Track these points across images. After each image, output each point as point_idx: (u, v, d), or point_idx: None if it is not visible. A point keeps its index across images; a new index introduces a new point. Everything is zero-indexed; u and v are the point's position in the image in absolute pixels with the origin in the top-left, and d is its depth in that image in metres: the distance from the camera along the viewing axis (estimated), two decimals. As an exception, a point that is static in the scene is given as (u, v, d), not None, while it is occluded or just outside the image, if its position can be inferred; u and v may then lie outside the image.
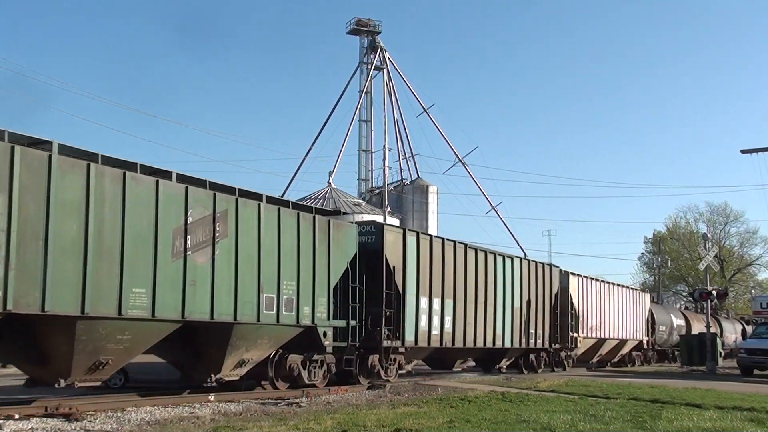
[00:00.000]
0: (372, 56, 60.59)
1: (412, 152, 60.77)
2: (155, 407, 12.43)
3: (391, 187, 53.48)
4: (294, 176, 58.95)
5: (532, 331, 25.38)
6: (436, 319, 19.99)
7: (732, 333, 50.90)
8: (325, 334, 16.24)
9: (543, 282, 26.63)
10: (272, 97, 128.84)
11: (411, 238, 19.37)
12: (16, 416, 10.70)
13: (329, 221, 16.64)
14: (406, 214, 54.53)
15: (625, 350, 35.17)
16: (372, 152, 60.66)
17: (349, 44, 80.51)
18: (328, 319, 16.37)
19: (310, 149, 58.92)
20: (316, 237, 15.98)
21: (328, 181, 53.33)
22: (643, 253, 78.87)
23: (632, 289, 36.89)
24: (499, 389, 17.25)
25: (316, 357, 16.49)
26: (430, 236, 20.82)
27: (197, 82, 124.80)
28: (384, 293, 18.04)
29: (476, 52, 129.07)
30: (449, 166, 59.35)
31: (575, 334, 28.77)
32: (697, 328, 42.74)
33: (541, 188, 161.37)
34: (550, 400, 14.64)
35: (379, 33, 60.95)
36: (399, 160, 59.98)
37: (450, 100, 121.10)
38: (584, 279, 30.36)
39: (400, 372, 19.50)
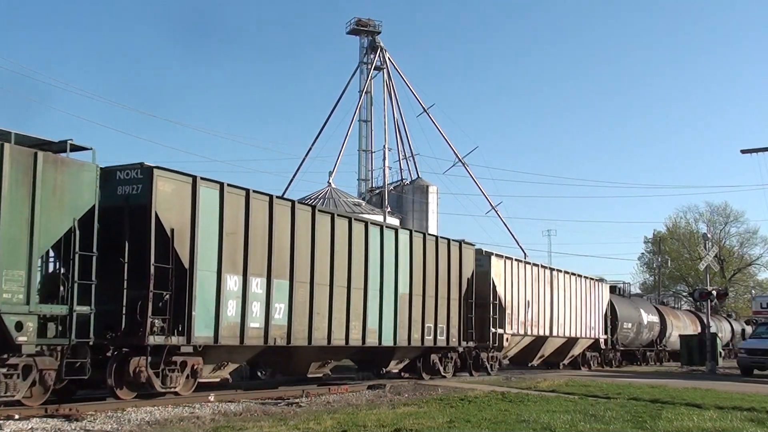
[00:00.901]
0: (372, 56, 60.56)
1: (412, 152, 60.74)
2: (155, 407, 12.42)
3: (391, 187, 53.44)
4: (294, 176, 58.90)
5: (430, 325, 20.28)
6: (256, 307, 14.82)
7: (720, 333, 48.90)
8: (19, 326, 10.92)
9: (450, 264, 21.21)
10: (272, 96, 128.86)
11: (208, 192, 13.99)
12: (16, 416, 10.71)
13: (36, 154, 11.35)
14: (406, 214, 54.49)
15: (576, 350, 30.45)
16: (372, 152, 60.64)
17: (349, 44, 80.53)
18: (27, 303, 11.06)
19: (310, 149, 58.88)
20: (6, 175, 10.89)
21: (328, 181, 53.29)
22: (643, 253, 78.91)
23: (586, 278, 30.81)
24: (499, 389, 17.25)
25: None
26: (247, 191, 14.88)
27: (197, 81, 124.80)
28: (152, 267, 12.84)
29: (476, 52, 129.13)
30: (449, 166, 59.25)
31: (500, 331, 23.52)
32: (675, 326, 40.89)
33: (541, 188, 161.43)
34: (550, 400, 14.65)
35: (379, 33, 60.92)
36: (399, 160, 59.95)
37: (450, 100, 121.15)
38: (514, 263, 24.96)
39: (203, 380, 14.56)
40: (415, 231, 20.99)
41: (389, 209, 47.96)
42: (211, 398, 13.88)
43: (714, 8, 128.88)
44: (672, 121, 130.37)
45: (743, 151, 32.70)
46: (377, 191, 55.73)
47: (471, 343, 22.33)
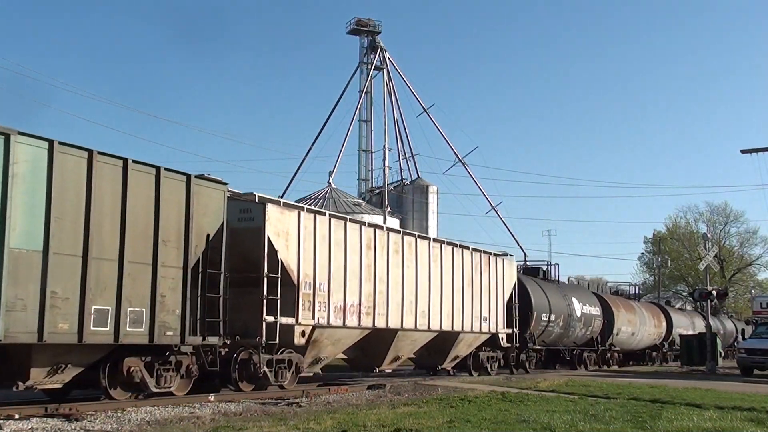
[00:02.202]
0: (372, 56, 60.64)
1: (412, 152, 60.85)
2: (155, 407, 12.42)
3: (391, 187, 53.50)
4: (294, 176, 59.04)
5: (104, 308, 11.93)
6: None
7: (685, 330, 43.21)
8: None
9: (159, 210, 12.95)
10: (272, 96, 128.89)
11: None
12: (16, 416, 10.71)
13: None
14: (406, 214, 54.57)
15: (461, 350, 22.57)
16: (372, 152, 60.76)
17: (349, 44, 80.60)
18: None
19: (310, 149, 59.02)
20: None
21: (328, 181, 53.37)
22: (643, 253, 78.87)
23: (475, 251, 22.85)
24: (499, 389, 17.25)
25: None
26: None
27: (197, 82, 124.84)
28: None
29: (476, 51, 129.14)
30: (449, 166, 59.40)
31: (284, 320, 15.37)
32: (625, 320, 34.52)
33: (541, 188, 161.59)
34: (550, 400, 14.64)
35: (379, 33, 61.02)
36: (399, 160, 60.06)
37: (450, 100, 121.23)
38: (322, 218, 16.78)
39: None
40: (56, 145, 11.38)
41: (389, 209, 47.99)
42: (211, 398, 13.89)
43: (714, 8, 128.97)
44: (672, 121, 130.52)
45: (743, 151, 32.73)
46: (377, 191, 55.80)
47: (214, 339, 13.98)
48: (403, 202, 55.46)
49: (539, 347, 27.38)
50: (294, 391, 15.70)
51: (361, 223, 18.45)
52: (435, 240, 21.47)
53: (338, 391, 16.38)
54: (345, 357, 20.44)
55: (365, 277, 17.83)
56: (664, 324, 40.73)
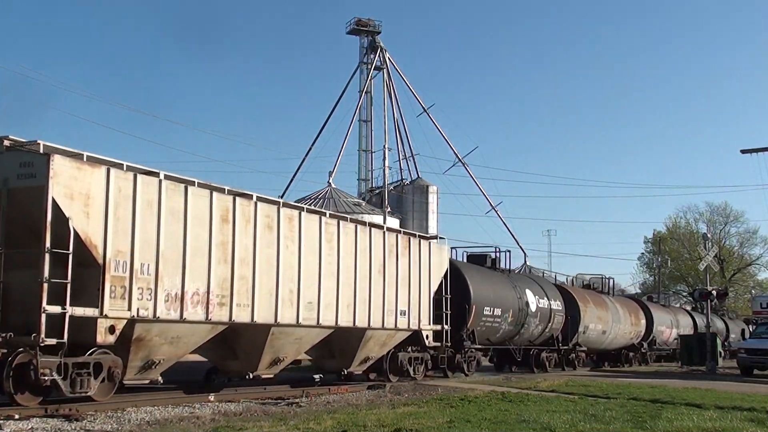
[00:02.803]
0: (372, 56, 60.64)
1: (412, 152, 60.86)
2: (155, 407, 12.42)
3: (391, 187, 53.49)
4: (294, 176, 59.07)
5: None
6: None
7: (668, 328, 40.56)
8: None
9: None
10: (272, 97, 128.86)
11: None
12: (16, 416, 10.70)
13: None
14: (406, 214, 54.56)
15: (372, 349, 18.65)
16: (372, 152, 60.78)
17: (349, 44, 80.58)
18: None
19: (310, 149, 59.07)
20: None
21: (328, 181, 53.35)
22: (643, 253, 78.94)
23: (389, 230, 19.28)
24: (499, 389, 17.25)
25: None
26: None
27: (197, 82, 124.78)
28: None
29: (476, 52, 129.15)
30: (449, 166, 59.43)
31: (80, 311, 11.69)
32: (594, 316, 30.54)
33: (541, 188, 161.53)
34: (550, 400, 14.65)
35: (379, 33, 61.01)
36: (399, 160, 60.07)
37: (450, 100, 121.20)
38: (145, 178, 12.81)
39: None
40: None
41: (389, 209, 47.98)
42: (211, 398, 13.90)
43: (714, 8, 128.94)
44: (672, 122, 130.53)
45: (743, 151, 32.73)
46: (377, 191, 55.80)
47: None
48: (403, 202, 55.46)
49: (482, 347, 23.21)
50: (294, 391, 15.70)
51: (212, 189, 13.90)
52: (332, 215, 17.34)
53: (338, 391, 16.39)
54: (209, 358, 16.45)
55: (218, 257, 13.69)
56: (643, 321, 37.05)
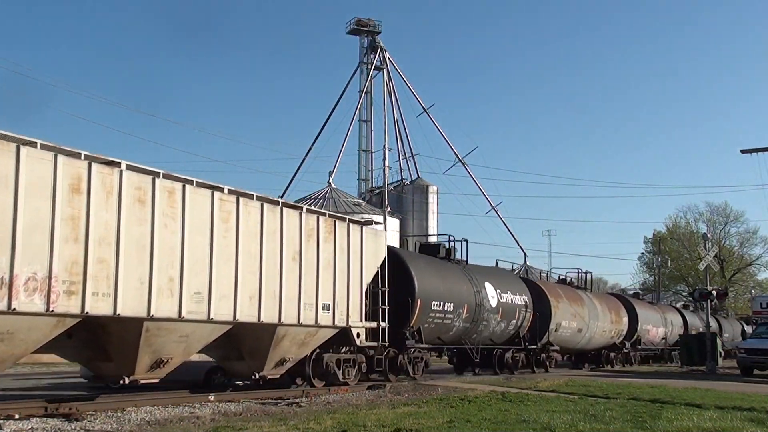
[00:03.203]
0: (372, 56, 60.64)
1: (412, 152, 60.87)
2: (155, 407, 12.43)
3: (391, 187, 53.50)
4: (294, 176, 59.06)
5: None
6: None
7: (654, 327, 38.33)
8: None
9: None
10: (272, 97, 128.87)
11: None
12: (16, 416, 10.71)
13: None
14: (406, 214, 54.57)
15: (287, 350, 15.81)
16: (372, 152, 60.77)
17: (349, 44, 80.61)
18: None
19: (310, 149, 59.06)
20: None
21: (328, 181, 53.37)
22: (643, 253, 79.01)
23: (308, 211, 16.35)
24: (499, 389, 17.25)
25: None
26: None
27: (197, 82, 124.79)
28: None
29: (476, 52, 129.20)
30: (449, 166, 59.44)
31: None
32: (568, 313, 28.26)
33: (541, 188, 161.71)
34: (550, 400, 14.65)
35: (379, 33, 61.00)
36: (399, 160, 60.08)
37: (450, 99, 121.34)
38: None
39: None
40: None
41: (389, 209, 47.99)
42: (211, 398, 13.90)
43: (714, 8, 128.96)
44: (672, 121, 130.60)
45: (743, 151, 32.69)
46: (377, 191, 55.80)
47: None
48: (403, 202, 55.46)
49: (431, 346, 21.01)
50: (294, 391, 15.70)
51: (59, 152, 11.27)
52: (230, 191, 14.36)
53: (338, 391, 16.40)
54: (76, 360, 14.37)
55: (65, 235, 11.13)
56: (626, 319, 34.56)
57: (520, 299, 25.47)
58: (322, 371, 16.97)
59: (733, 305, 71.64)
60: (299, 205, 16.79)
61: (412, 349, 19.80)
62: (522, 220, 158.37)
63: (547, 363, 27.61)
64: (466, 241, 24.81)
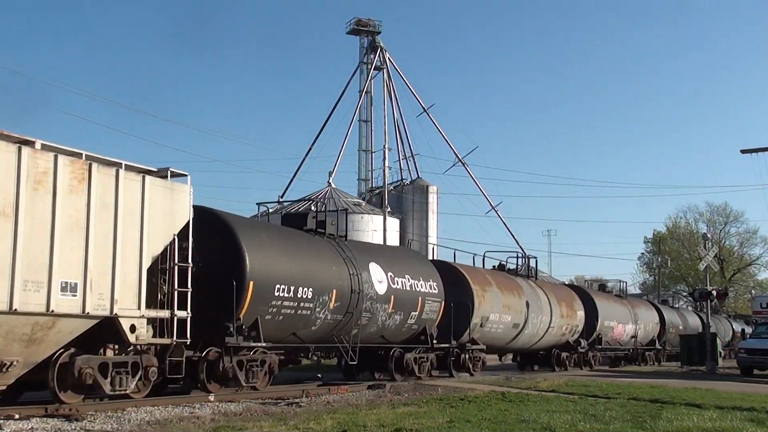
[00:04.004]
0: (372, 56, 60.57)
1: (412, 152, 60.77)
2: (155, 407, 12.43)
3: (391, 187, 53.43)
4: (294, 176, 58.96)
5: None
6: None
7: (620, 323, 33.39)
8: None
9: None
10: (272, 96, 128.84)
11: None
12: (16, 416, 10.71)
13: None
14: (406, 214, 54.50)
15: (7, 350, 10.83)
16: (372, 152, 60.67)
17: (349, 44, 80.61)
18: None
19: (310, 149, 58.97)
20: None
21: (328, 181, 53.34)
22: (643, 253, 79.00)
23: (44, 147, 11.33)
24: (499, 389, 17.25)
25: None
26: None
27: (197, 81, 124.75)
28: None
29: (476, 51, 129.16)
30: (449, 166, 59.34)
31: None
32: (499, 305, 23.45)
33: (541, 188, 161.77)
34: (550, 400, 14.65)
35: (379, 33, 60.94)
36: (399, 160, 59.98)
37: (450, 100, 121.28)
38: None
39: None
40: None
41: (389, 209, 47.98)
42: (211, 398, 13.90)
43: (714, 7, 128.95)
44: (672, 121, 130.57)
45: (743, 151, 32.67)
46: (377, 191, 55.74)
47: None
48: (403, 202, 55.39)
49: (279, 345, 15.90)
50: (294, 391, 15.70)
51: None
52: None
53: (338, 391, 16.38)
54: None
55: None
56: (581, 314, 29.52)
57: (426, 286, 20.12)
58: (74, 381, 11.89)
59: (733, 305, 71.65)
60: (26, 137, 11.24)
61: (246, 349, 14.84)
62: (522, 220, 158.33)
63: (471, 365, 22.50)
64: (345, 210, 20.04)
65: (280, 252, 15.86)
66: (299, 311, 16.03)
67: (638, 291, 69.51)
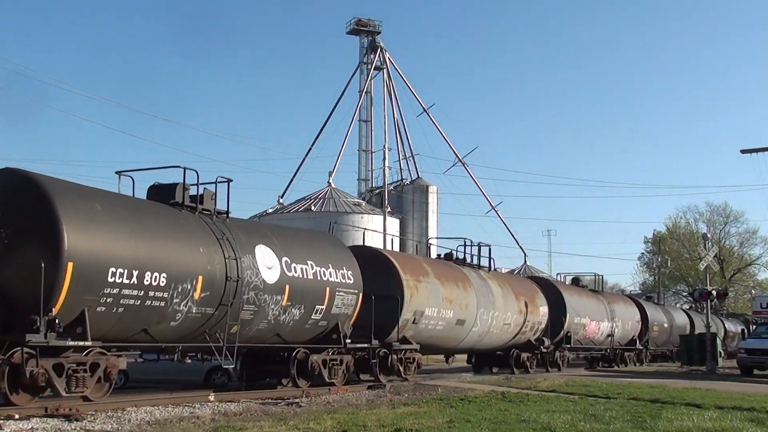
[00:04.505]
0: (372, 56, 60.63)
1: (412, 152, 60.85)
2: (155, 407, 12.43)
3: (391, 187, 53.49)
4: (294, 176, 58.99)
5: None
6: None
7: (594, 321, 30.18)
8: None
9: None
10: (272, 96, 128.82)
11: None
12: (16, 416, 10.70)
13: None
14: (406, 214, 54.56)
15: None
16: (372, 152, 60.73)
17: (349, 44, 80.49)
18: None
19: (310, 149, 59.03)
20: None
21: (328, 181, 53.38)
22: (643, 253, 78.95)
23: None
24: (499, 389, 17.25)
25: None
26: None
27: (197, 81, 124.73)
28: None
29: (476, 51, 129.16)
30: (449, 166, 59.39)
31: None
32: (439, 298, 20.10)
33: (541, 188, 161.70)
34: (550, 400, 14.65)
35: (379, 33, 61.00)
36: (399, 160, 60.05)
37: (450, 99, 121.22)
38: None
39: None
40: None
41: (389, 209, 48.02)
42: (211, 398, 13.90)
43: (714, 7, 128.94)
44: (672, 121, 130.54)
45: (743, 151, 32.69)
46: (377, 191, 55.80)
47: None
48: (403, 202, 55.44)
49: (102, 344, 12.10)
50: (294, 391, 15.69)
51: None
52: None
53: (338, 391, 16.37)
54: None
55: None
56: (544, 309, 26.28)
57: (337, 275, 16.66)
58: None
59: (733, 305, 71.64)
60: None
61: (71, 350, 11.71)
62: (522, 220, 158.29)
63: (402, 368, 18.92)
64: (227, 181, 15.11)
65: (120, 228, 12.42)
66: (148, 302, 12.59)
67: (638, 291, 69.45)
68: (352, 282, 17.12)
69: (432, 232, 53.74)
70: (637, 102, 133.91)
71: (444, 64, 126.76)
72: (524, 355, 25.91)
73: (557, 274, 35.91)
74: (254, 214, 50.47)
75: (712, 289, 33.86)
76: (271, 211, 51.03)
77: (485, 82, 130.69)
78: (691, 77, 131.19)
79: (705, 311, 34.23)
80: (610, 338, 32.16)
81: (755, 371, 28.56)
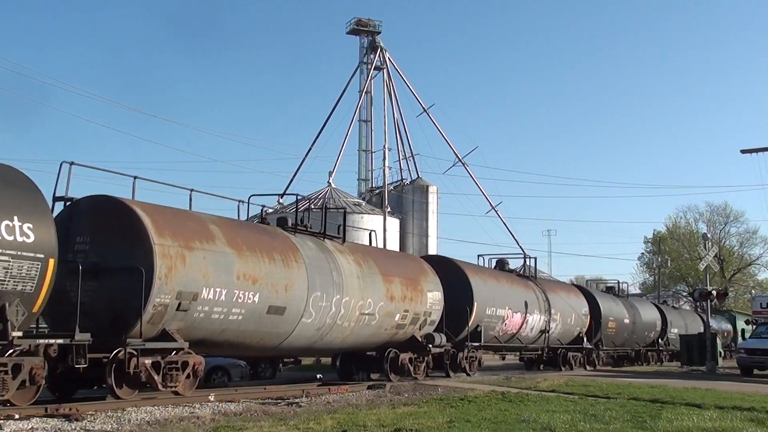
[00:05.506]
0: (372, 56, 60.56)
1: (412, 152, 60.72)
2: (155, 407, 12.42)
3: (391, 187, 53.45)
4: (294, 176, 58.89)
5: None
6: None
7: (522, 313, 24.86)
8: None
9: None
10: (272, 96, 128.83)
11: None
12: (16, 416, 10.70)
13: None
14: (406, 214, 54.52)
15: None
16: (372, 152, 60.63)
17: (349, 44, 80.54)
18: None
19: (310, 149, 58.90)
20: None
21: (328, 181, 53.36)
22: (643, 253, 78.97)
23: None
24: (499, 389, 17.25)
25: None
26: None
27: (197, 81, 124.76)
28: None
29: (476, 51, 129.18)
30: (449, 166, 59.26)
31: None
32: (201, 271, 12.99)
33: (541, 188, 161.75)
34: (550, 400, 14.65)
35: (379, 33, 60.92)
36: (399, 160, 59.94)
37: (450, 99, 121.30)
38: None
39: None
40: None
41: (389, 209, 48.00)
42: (211, 398, 13.89)
43: (714, 6, 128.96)
44: (672, 121, 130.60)
45: (743, 151, 32.71)
46: (377, 191, 55.75)
47: None
48: (403, 202, 55.39)
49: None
50: (294, 391, 15.70)
51: None
52: None
53: (338, 391, 16.37)
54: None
55: None
56: (438, 296, 20.68)
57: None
58: None
59: (733, 305, 71.64)
60: None
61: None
62: (522, 220, 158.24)
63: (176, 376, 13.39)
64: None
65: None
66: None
67: (638, 291, 69.45)
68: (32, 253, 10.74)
69: (432, 232, 53.69)
70: (637, 101, 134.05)
71: (444, 64, 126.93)
72: (404, 356, 19.47)
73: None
74: (254, 214, 50.37)
75: (712, 289, 33.87)
76: (271, 211, 51.00)
77: (485, 82, 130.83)
78: (692, 77, 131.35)
79: (705, 311, 34.22)
80: (544, 335, 26.50)
81: (755, 371, 28.57)
